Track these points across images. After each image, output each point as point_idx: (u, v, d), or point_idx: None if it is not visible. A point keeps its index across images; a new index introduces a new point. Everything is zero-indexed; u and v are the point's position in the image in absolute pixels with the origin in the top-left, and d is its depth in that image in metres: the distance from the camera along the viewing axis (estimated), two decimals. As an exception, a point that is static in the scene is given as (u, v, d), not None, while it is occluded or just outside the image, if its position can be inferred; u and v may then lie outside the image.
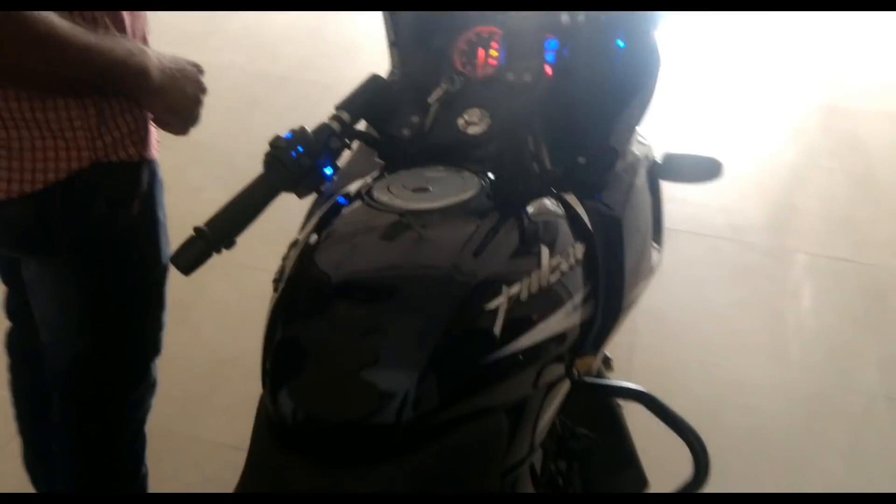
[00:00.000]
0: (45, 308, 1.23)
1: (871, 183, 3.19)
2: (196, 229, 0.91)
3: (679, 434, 1.06)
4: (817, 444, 2.00)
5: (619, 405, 1.27)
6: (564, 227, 0.94)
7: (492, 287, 0.83)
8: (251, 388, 0.88)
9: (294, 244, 0.94)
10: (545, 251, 0.89)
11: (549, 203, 0.96)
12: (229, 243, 0.90)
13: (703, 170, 1.17)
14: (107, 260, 1.17)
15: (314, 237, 0.91)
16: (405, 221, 0.90)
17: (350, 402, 0.78)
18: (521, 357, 0.84)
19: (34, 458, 1.53)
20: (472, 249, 0.85)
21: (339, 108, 0.99)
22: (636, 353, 2.20)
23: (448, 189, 0.94)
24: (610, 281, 0.98)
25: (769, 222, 2.92)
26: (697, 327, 2.35)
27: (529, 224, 0.92)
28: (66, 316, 1.22)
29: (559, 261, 0.89)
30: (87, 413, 1.32)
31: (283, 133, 0.96)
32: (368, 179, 1.00)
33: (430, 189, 0.94)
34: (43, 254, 1.15)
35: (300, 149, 0.93)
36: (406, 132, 1.03)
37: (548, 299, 0.87)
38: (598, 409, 1.26)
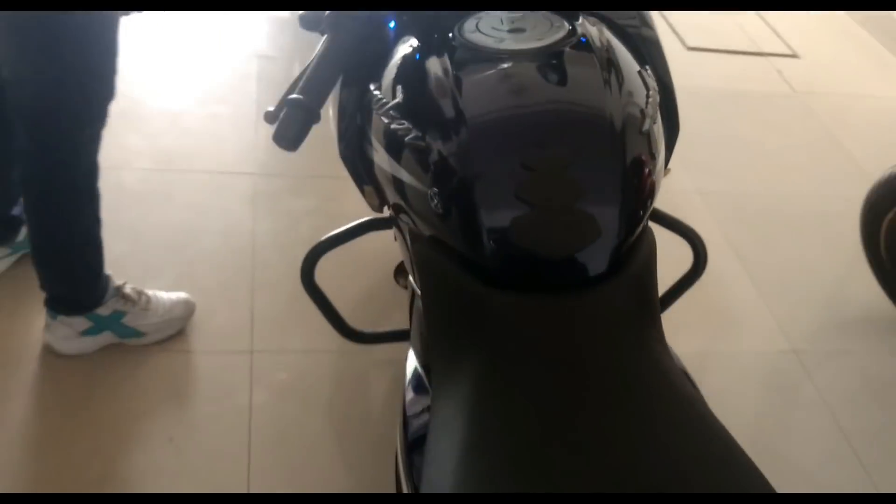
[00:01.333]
0: (4, 46, 1.34)
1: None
2: (289, 100, 0.89)
3: (678, 232, 1.24)
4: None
5: None
6: (635, 51, 1.03)
7: (637, 110, 0.90)
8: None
9: (400, 95, 0.94)
10: (645, 73, 0.98)
11: (607, 30, 1.02)
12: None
13: None
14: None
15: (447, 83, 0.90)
16: (536, 62, 0.92)
17: (569, 233, 0.84)
18: (662, 173, 0.95)
19: None
20: (612, 76, 0.91)
21: None
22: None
23: (538, 26, 0.97)
24: (666, 98, 1.06)
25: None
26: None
27: (623, 51, 0.99)
28: (25, 52, 1.33)
29: (651, 81, 0.98)
30: (47, 144, 1.45)
31: None
32: (431, 30, 1.00)
33: (525, 29, 0.97)
34: None
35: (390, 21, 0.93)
36: None
37: (659, 118, 0.97)
38: None
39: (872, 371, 1.99)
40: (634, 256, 0.88)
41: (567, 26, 0.98)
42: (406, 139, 0.90)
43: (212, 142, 2.36)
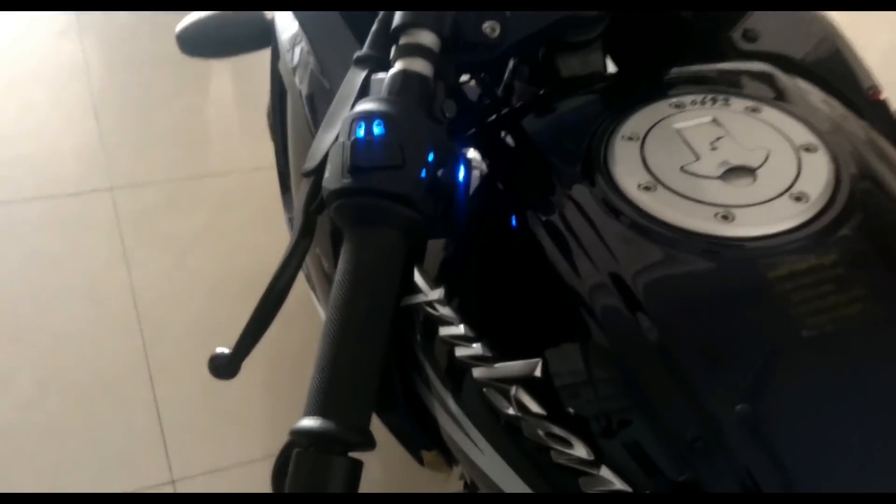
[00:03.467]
0: None
1: None
2: (301, 435, 0.44)
3: None
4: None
5: None
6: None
7: None
8: None
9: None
10: None
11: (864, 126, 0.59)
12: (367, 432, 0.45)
13: None
14: None
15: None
16: (823, 272, 0.46)
17: None
18: None
19: None
20: None
21: (408, 25, 0.50)
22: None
23: (774, 154, 0.51)
24: None
25: None
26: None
27: None
28: None
29: None
30: None
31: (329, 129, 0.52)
32: (543, 186, 0.53)
33: (752, 165, 0.50)
34: None
35: (430, 155, 0.47)
36: (489, 27, 0.54)
37: None
38: None
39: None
40: None
41: (819, 144, 0.52)
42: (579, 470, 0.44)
43: (41, 148, 1.70)
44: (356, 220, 0.46)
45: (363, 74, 0.53)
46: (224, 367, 0.52)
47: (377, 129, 0.46)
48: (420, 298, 0.54)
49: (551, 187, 0.52)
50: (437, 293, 0.53)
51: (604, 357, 0.45)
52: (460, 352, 0.51)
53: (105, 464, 1.27)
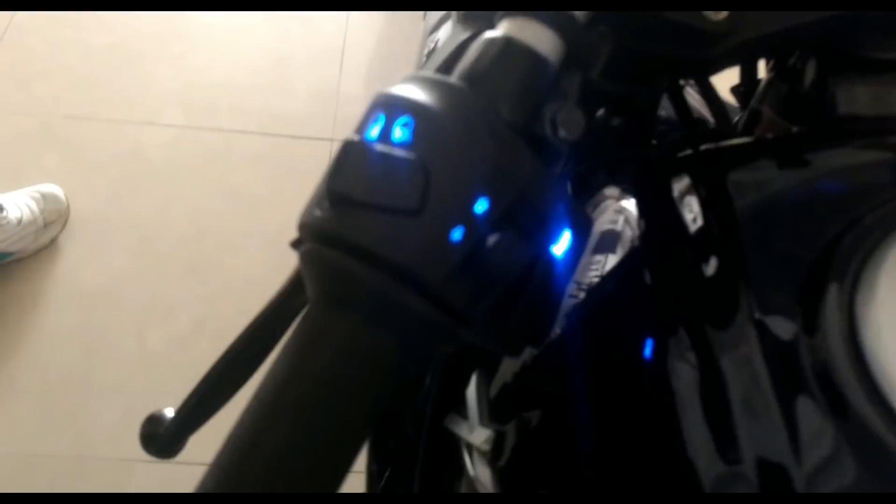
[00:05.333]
0: None
1: None
2: None
3: None
4: None
5: None
6: None
7: None
8: None
9: None
10: None
11: None
12: None
13: None
14: None
15: None
16: None
17: None
18: None
19: None
20: None
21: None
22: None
23: None
24: None
25: None
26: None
27: None
28: None
29: None
30: None
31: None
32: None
33: None
34: None
35: (482, 202, 0.23)
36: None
37: None
38: None
39: None
40: None
41: None
42: None
43: (279, 84, 1.66)
44: (324, 289, 0.25)
45: (464, 36, 0.32)
46: (161, 441, 0.34)
47: (400, 134, 0.25)
48: (461, 429, 0.32)
49: (728, 312, 0.27)
50: (482, 434, 0.31)
51: None
52: None
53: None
